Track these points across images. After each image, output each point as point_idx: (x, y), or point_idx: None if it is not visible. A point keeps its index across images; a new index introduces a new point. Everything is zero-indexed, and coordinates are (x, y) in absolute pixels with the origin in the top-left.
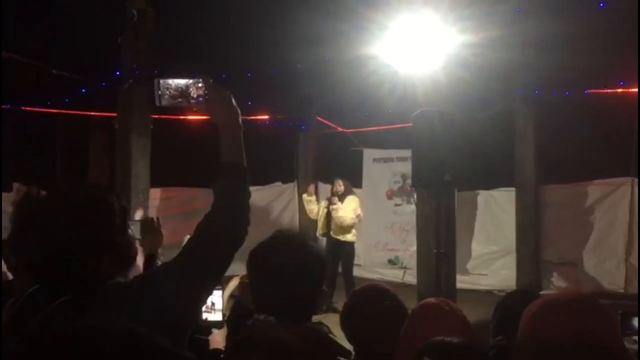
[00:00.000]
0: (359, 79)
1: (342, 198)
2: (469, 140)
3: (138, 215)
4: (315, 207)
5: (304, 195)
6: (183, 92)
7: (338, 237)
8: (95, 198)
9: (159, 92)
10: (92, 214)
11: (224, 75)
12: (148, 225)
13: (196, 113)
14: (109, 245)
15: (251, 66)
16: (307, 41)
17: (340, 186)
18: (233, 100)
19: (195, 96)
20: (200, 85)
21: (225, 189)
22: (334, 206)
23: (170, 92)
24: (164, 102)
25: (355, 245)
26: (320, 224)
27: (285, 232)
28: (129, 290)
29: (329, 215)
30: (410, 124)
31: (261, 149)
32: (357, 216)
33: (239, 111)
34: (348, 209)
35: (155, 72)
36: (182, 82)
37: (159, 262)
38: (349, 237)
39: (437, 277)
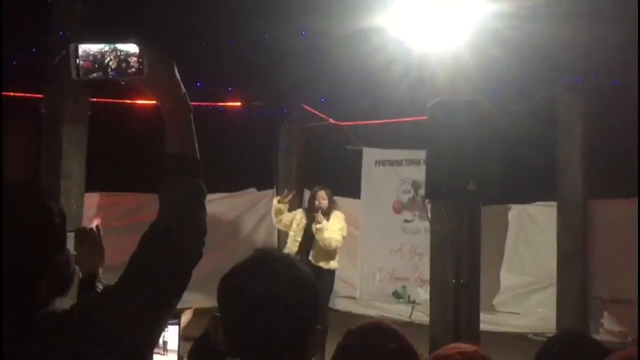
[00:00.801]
0: (360, 58)
1: (326, 214)
2: (500, 139)
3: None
4: (285, 217)
5: (275, 199)
6: (112, 62)
7: (319, 264)
8: (30, 204)
9: (77, 61)
10: (26, 226)
11: (174, 49)
12: (85, 237)
13: (147, 95)
14: (47, 265)
15: (219, 38)
16: (293, 9)
17: (323, 200)
18: (177, 73)
19: (127, 67)
20: (134, 52)
21: (171, 190)
22: (319, 225)
23: (91, 61)
24: (82, 75)
25: (348, 273)
26: (291, 242)
27: (267, 252)
28: (68, 322)
29: (307, 233)
30: (425, 117)
31: (230, 145)
32: (344, 237)
33: (184, 90)
34: (335, 229)
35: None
36: (108, 48)
37: (100, 286)
38: (332, 264)
39: (456, 316)
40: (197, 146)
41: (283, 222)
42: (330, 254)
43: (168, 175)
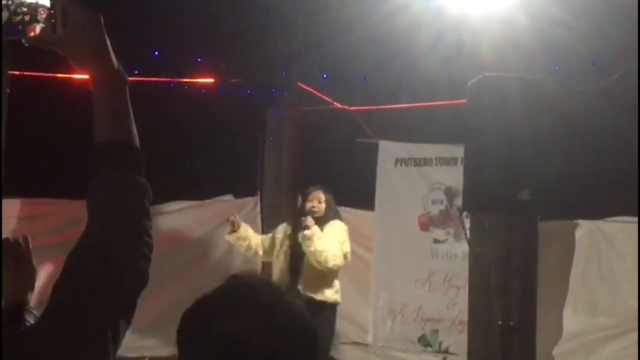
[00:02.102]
0: (375, 21)
1: (320, 222)
2: (565, 131)
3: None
4: (253, 240)
5: (226, 236)
6: (23, 16)
7: (311, 294)
8: None
9: None
10: None
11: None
12: (8, 251)
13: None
14: None
15: None
16: None
17: (319, 202)
18: (104, 32)
19: (37, 24)
20: (42, 2)
21: (102, 191)
22: (308, 232)
23: None
24: None
25: (357, 310)
26: (278, 273)
27: (244, 279)
28: None
29: (294, 253)
30: (464, 100)
31: (200, 136)
32: (345, 255)
33: (111, 54)
34: (330, 240)
35: None
36: None
37: (30, 319)
38: (329, 295)
39: None
40: (135, 131)
41: (253, 248)
42: (325, 278)
43: (98, 171)
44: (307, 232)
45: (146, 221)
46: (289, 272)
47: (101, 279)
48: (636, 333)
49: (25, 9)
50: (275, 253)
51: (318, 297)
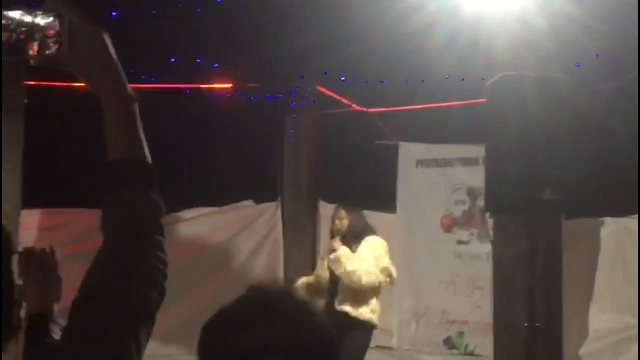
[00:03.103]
0: (392, 20)
1: (351, 241)
2: (586, 129)
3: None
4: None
5: (302, 281)
6: (21, 34)
7: (346, 309)
8: None
9: None
10: None
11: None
12: (33, 261)
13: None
14: None
15: None
16: None
17: (341, 220)
18: (112, 50)
19: (40, 42)
20: (48, 21)
21: (116, 210)
22: (333, 255)
23: None
24: None
25: (382, 314)
26: (317, 283)
27: (263, 290)
28: None
29: (331, 274)
30: (483, 100)
31: (218, 142)
32: (384, 271)
33: (121, 72)
34: (363, 256)
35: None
36: (13, 14)
37: (56, 330)
38: (364, 313)
39: None
40: (146, 147)
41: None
42: (363, 295)
43: (111, 189)
44: (332, 256)
45: (160, 237)
46: (329, 285)
47: (119, 295)
48: None
49: (24, 29)
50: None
51: (352, 313)
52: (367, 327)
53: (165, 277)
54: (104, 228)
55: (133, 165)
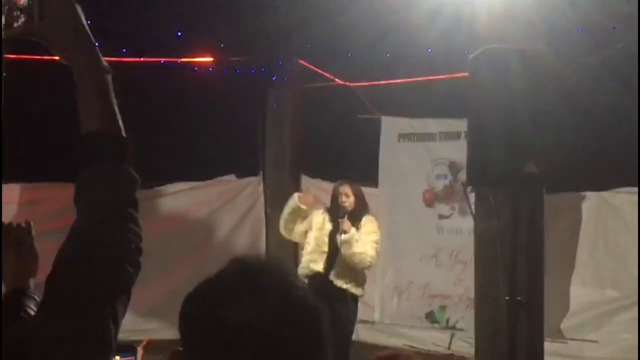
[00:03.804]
0: None
1: (354, 219)
2: (568, 104)
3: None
4: (303, 225)
5: (295, 195)
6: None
7: (342, 285)
8: None
9: None
10: None
11: None
12: (10, 236)
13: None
14: None
15: None
16: None
17: (347, 196)
18: (84, 21)
19: (9, 14)
20: None
21: (90, 184)
22: (345, 236)
23: None
24: None
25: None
26: (315, 254)
27: (248, 262)
28: None
29: (332, 242)
30: (466, 74)
31: (199, 117)
32: (377, 251)
33: (93, 43)
34: (367, 241)
35: None
36: None
37: (32, 305)
38: (359, 290)
39: (511, 345)
40: (120, 119)
41: (297, 230)
42: (359, 274)
43: (85, 163)
44: (344, 236)
45: (134, 211)
46: (327, 260)
47: (94, 268)
48: None
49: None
50: (313, 233)
51: (350, 288)
52: (357, 299)
53: (140, 250)
54: (78, 202)
55: (107, 139)
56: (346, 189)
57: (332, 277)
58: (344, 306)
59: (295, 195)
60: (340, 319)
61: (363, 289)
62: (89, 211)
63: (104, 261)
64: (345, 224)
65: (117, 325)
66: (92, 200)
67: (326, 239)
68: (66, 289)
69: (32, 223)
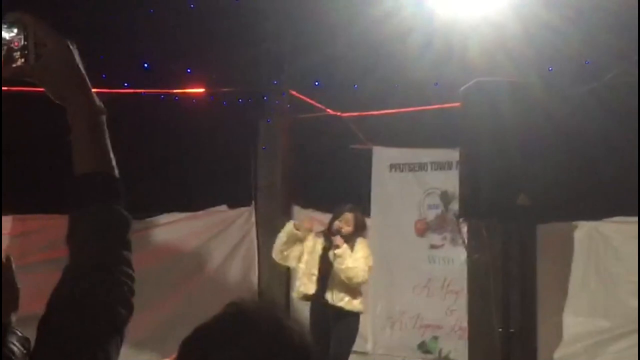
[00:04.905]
0: (366, 25)
1: (347, 239)
2: (559, 134)
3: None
4: (296, 250)
5: (290, 224)
6: None
7: (339, 304)
8: None
9: None
10: None
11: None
12: None
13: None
14: None
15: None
16: None
17: (348, 226)
18: (78, 61)
19: (5, 56)
20: (13, 34)
21: (85, 223)
22: (338, 251)
23: None
24: None
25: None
26: (305, 278)
27: (243, 306)
28: None
29: (324, 264)
30: (457, 104)
31: (192, 147)
32: (369, 270)
33: (88, 83)
34: (358, 257)
35: None
36: None
37: (13, 340)
38: (356, 305)
39: None
40: (113, 159)
41: (291, 255)
42: (354, 290)
43: (78, 204)
44: (337, 251)
45: (128, 253)
46: (318, 282)
47: (87, 312)
48: (637, 334)
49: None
50: (304, 257)
51: (346, 306)
52: (358, 316)
53: (132, 292)
54: (71, 242)
55: (101, 181)
56: (348, 217)
57: (327, 297)
58: (345, 321)
59: (291, 222)
60: (344, 334)
61: (361, 303)
62: (82, 254)
63: (96, 306)
64: (339, 240)
65: None
66: (85, 242)
67: (316, 262)
68: (58, 332)
69: (12, 257)
